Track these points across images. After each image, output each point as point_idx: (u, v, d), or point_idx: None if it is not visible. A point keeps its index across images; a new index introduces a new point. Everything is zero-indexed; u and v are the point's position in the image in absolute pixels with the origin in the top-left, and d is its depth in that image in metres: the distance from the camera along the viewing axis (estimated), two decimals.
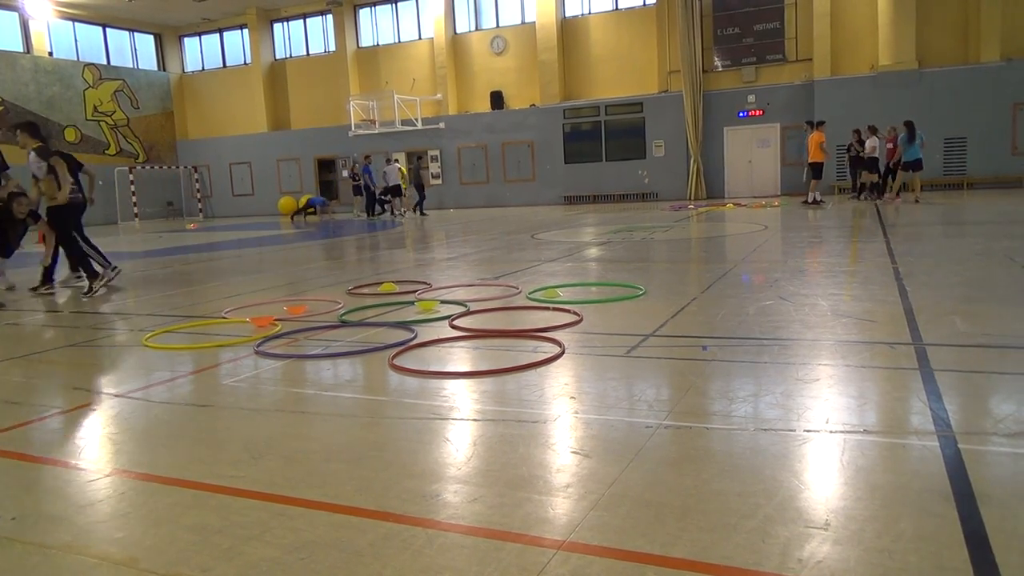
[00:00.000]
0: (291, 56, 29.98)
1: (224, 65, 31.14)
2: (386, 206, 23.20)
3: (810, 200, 16.93)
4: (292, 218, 24.41)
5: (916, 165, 16.23)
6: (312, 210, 24.14)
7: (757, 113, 22.48)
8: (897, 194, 16.98)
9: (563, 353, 4.11)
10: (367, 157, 23.84)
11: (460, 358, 4.30)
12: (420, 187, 22.41)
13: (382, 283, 7.20)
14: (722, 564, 1.85)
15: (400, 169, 22.66)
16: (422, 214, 22.52)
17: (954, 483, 2.24)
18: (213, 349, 4.78)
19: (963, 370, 3.50)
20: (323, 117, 28.73)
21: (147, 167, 29.35)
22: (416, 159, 24.01)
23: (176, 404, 3.60)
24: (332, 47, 28.64)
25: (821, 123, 17.48)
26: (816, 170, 16.98)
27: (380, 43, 28.16)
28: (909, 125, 16.13)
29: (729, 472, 2.42)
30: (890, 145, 16.88)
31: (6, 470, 2.81)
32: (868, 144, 16.89)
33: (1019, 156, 19.49)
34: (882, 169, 17.18)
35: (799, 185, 18.98)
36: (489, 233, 13.86)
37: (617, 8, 24.50)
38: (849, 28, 21.44)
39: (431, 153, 26.77)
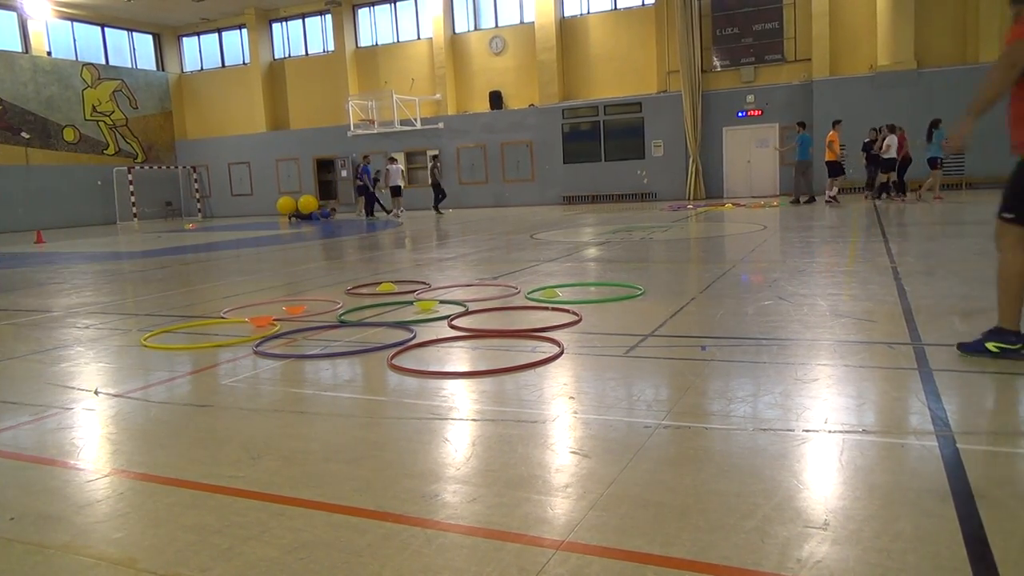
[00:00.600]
0: (290, 56, 29.96)
1: (223, 65, 31.12)
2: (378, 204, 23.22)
3: (827, 197, 16.96)
4: (289, 218, 24.41)
5: (929, 163, 16.42)
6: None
7: (756, 113, 22.48)
8: (905, 193, 17.06)
9: (562, 353, 4.12)
10: (365, 157, 23.84)
11: (459, 358, 4.30)
12: (436, 186, 22.37)
13: (381, 283, 7.20)
14: (721, 564, 1.85)
15: (401, 170, 22.67)
16: (438, 212, 22.57)
17: (952, 483, 2.24)
18: (212, 349, 4.78)
19: (961, 370, 3.50)
20: (322, 117, 28.72)
21: (146, 167, 29.34)
22: (433, 158, 23.93)
23: (175, 404, 3.60)
24: (331, 47, 28.63)
25: (837, 122, 17.42)
26: (832, 169, 17.02)
27: (379, 43, 28.15)
28: (932, 124, 16.30)
29: (728, 472, 2.43)
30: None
31: (5, 470, 2.80)
32: (885, 143, 16.91)
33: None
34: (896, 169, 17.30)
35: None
36: (488, 233, 13.86)
37: (616, 8, 24.50)
38: (848, 28, 21.45)
39: (430, 153, 26.75)
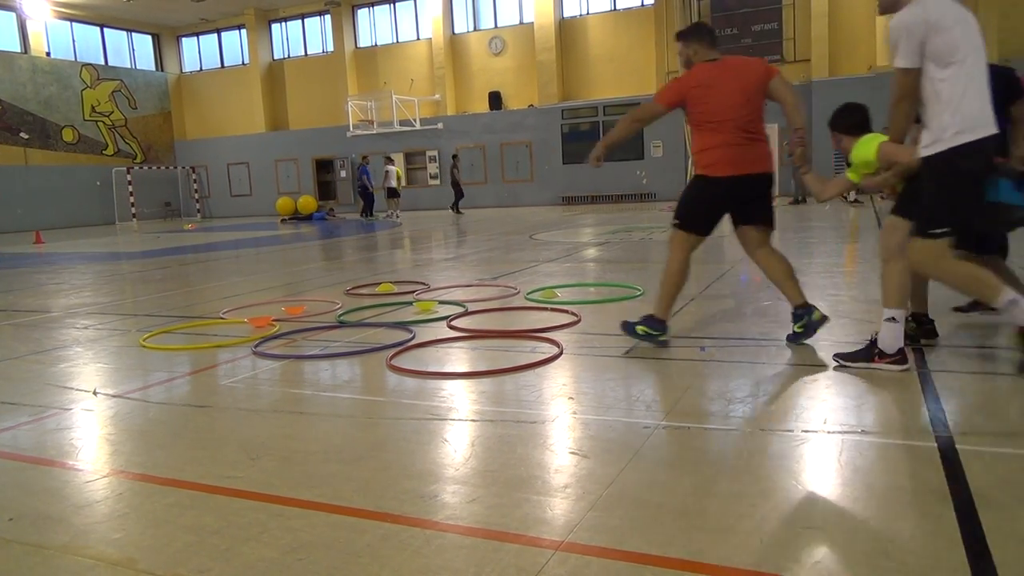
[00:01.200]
0: (289, 56, 29.97)
1: (222, 65, 31.12)
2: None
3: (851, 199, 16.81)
4: (282, 220, 24.36)
5: None
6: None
7: None
8: None
9: (561, 354, 4.11)
10: (364, 158, 23.84)
11: (458, 359, 4.30)
12: (456, 184, 22.32)
13: (380, 284, 7.20)
14: (720, 564, 1.85)
15: (396, 171, 22.62)
16: (457, 212, 22.40)
17: (951, 484, 2.24)
18: (211, 350, 4.78)
19: (960, 371, 3.50)
20: (321, 117, 28.72)
21: (145, 167, 29.32)
22: (453, 157, 23.78)
23: (174, 405, 3.60)
24: (330, 47, 28.63)
25: None
26: None
27: (378, 43, 28.16)
28: None
29: (727, 473, 2.43)
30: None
31: (3, 471, 2.80)
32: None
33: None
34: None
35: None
36: (487, 233, 13.86)
37: (615, 8, 24.52)
38: (847, 29, 21.45)
39: (429, 154, 26.75)
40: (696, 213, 4.23)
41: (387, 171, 22.06)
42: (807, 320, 4.01)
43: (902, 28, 3.07)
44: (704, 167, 4.18)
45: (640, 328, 4.19)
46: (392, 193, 21.97)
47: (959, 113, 3.05)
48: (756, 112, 4.06)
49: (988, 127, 3.08)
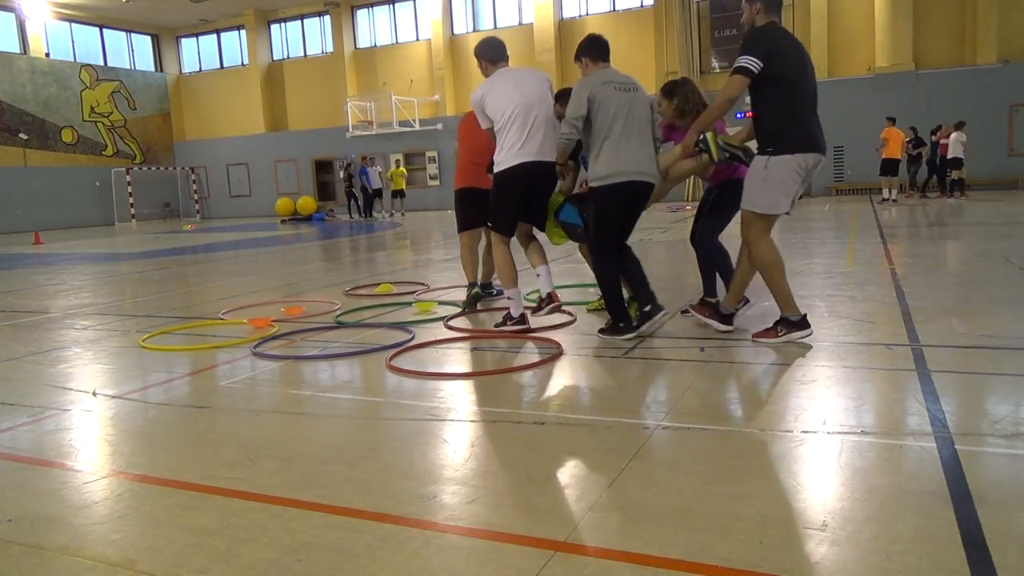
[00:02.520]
0: (288, 57, 29.95)
1: (221, 66, 31.11)
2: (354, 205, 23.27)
3: (892, 198, 16.76)
4: (281, 221, 24.36)
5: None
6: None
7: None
8: (939, 191, 17.13)
9: (560, 354, 4.12)
10: (364, 158, 23.85)
11: (457, 359, 4.30)
12: None
13: (379, 284, 7.20)
14: (719, 565, 1.85)
15: (380, 172, 22.72)
16: None
17: (951, 484, 2.24)
18: (210, 350, 4.78)
19: (960, 371, 3.50)
20: (320, 118, 28.70)
21: (144, 168, 29.31)
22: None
23: (173, 405, 3.60)
24: (330, 48, 28.62)
25: (892, 119, 17.02)
26: (889, 167, 16.86)
27: (377, 44, 28.15)
28: None
29: (726, 473, 2.43)
30: (944, 141, 16.99)
31: (2, 471, 2.80)
32: (947, 140, 16.89)
33: (1016, 157, 19.52)
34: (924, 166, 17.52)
35: None
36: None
37: (615, 9, 24.52)
38: (846, 30, 21.46)
39: (428, 154, 26.74)
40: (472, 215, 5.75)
41: (379, 172, 22.28)
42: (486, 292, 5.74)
43: (473, 101, 4.72)
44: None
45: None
46: (378, 194, 22.12)
47: (504, 151, 4.60)
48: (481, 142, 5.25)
49: (522, 158, 4.56)
